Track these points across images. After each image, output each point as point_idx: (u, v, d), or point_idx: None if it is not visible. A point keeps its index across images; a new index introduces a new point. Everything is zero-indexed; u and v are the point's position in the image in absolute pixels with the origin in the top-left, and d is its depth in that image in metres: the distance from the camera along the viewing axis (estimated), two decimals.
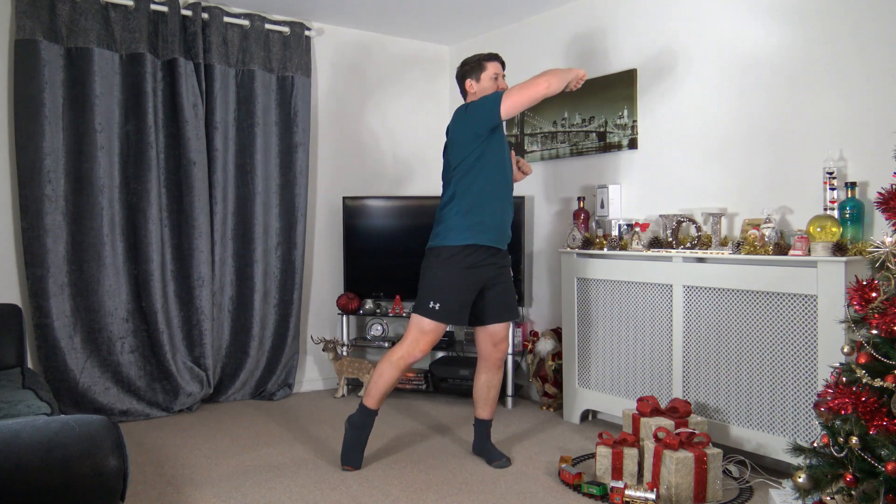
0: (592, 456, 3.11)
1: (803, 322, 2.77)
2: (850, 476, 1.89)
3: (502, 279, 3.10)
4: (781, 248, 2.85)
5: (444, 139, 3.12)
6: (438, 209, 3.06)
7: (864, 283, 2.01)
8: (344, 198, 4.54)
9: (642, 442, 2.88)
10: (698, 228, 3.22)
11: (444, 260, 2.96)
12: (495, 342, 3.13)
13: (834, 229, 2.68)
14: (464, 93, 3.14)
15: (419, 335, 2.99)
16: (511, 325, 3.17)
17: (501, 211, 3.05)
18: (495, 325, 3.11)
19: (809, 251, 2.74)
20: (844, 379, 2.00)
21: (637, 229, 3.45)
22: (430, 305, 2.95)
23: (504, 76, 3.13)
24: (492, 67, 3.08)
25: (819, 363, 2.69)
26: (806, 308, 2.76)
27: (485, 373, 3.18)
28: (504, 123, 3.03)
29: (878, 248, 1.99)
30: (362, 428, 3.04)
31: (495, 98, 2.87)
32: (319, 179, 4.60)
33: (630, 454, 2.84)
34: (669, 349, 3.28)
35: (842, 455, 1.93)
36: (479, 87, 3.06)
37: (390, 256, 4.49)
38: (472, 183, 2.96)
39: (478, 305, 3.07)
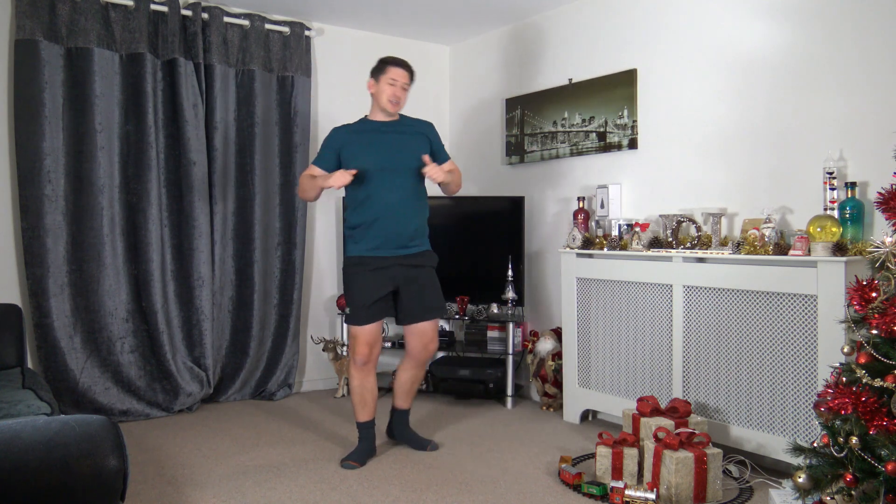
0: (592, 456, 3.11)
1: (803, 322, 2.77)
2: (850, 476, 1.89)
3: (418, 280, 3.16)
4: (781, 248, 2.85)
5: (443, 139, 3.14)
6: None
7: (864, 283, 2.01)
8: (344, 198, 4.53)
9: (642, 442, 2.88)
10: (698, 228, 3.21)
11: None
12: (424, 343, 3.21)
13: (834, 229, 2.67)
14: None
15: (353, 340, 3.18)
16: (438, 324, 3.26)
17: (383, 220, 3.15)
18: (419, 324, 3.18)
19: (809, 251, 2.74)
20: (844, 379, 2.00)
21: (637, 229, 3.45)
22: (349, 312, 3.16)
23: (406, 87, 3.15)
24: (391, 71, 3.10)
25: (819, 363, 2.69)
26: (806, 308, 2.76)
27: (412, 369, 3.30)
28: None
29: (878, 248, 1.99)
30: (361, 440, 3.20)
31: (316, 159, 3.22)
32: None
33: (630, 454, 2.84)
34: (669, 349, 3.28)
35: (842, 455, 1.93)
36: (377, 87, 3.13)
37: None
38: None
39: (398, 306, 3.21)
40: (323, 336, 4.57)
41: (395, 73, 3.10)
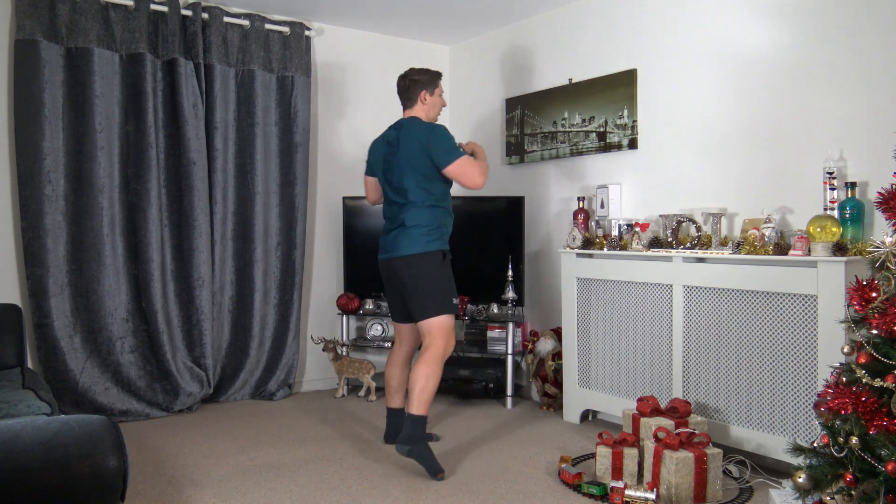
0: (592, 456, 3.11)
1: (803, 322, 2.77)
2: (850, 476, 1.89)
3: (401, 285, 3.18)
4: (781, 248, 2.85)
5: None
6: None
7: (864, 283, 2.01)
8: (344, 198, 4.54)
9: (642, 442, 2.88)
10: (698, 228, 3.22)
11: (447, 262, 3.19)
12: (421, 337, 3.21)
13: (834, 229, 2.68)
14: (412, 99, 3.22)
15: (450, 331, 3.11)
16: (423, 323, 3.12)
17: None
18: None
19: (809, 251, 2.74)
20: (844, 379, 2.00)
21: (637, 229, 3.45)
22: (455, 302, 3.14)
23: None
24: (440, 85, 3.29)
25: (819, 363, 2.69)
26: (806, 308, 2.76)
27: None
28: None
29: (878, 248, 1.99)
30: (425, 438, 3.00)
31: (465, 162, 3.06)
32: (319, 179, 4.61)
33: (630, 454, 2.84)
34: (669, 349, 3.28)
35: (842, 455, 1.93)
36: (432, 100, 3.24)
37: None
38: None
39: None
40: (323, 336, 4.56)
41: (441, 85, 3.30)
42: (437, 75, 3.26)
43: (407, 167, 3.11)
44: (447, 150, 3.06)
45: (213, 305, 4.08)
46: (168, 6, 3.88)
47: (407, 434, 2.95)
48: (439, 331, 3.06)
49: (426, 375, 2.98)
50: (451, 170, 3.05)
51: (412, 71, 3.24)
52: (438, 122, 3.23)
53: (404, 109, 3.26)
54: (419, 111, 3.21)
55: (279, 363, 4.32)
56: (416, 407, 2.97)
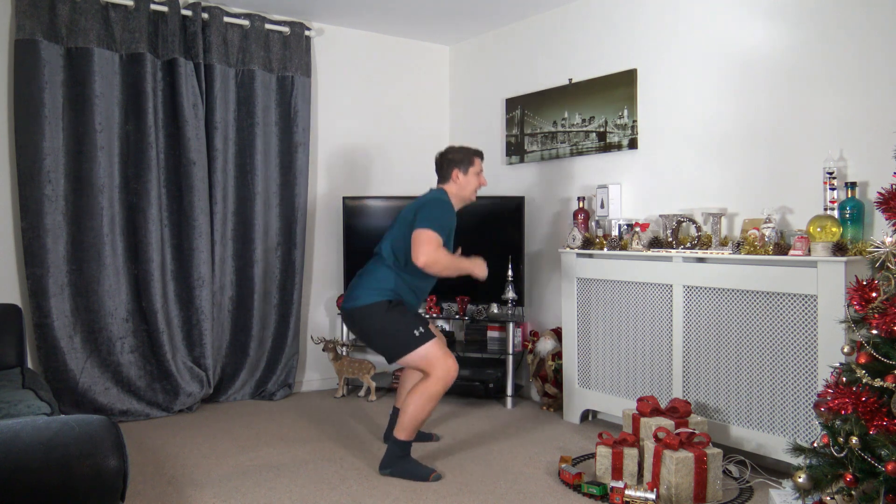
0: (592, 456, 3.11)
1: (803, 322, 2.77)
2: (850, 476, 1.89)
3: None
4: (781, 248, 2.85)
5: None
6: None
7: (864, 283, 2.01)
8: (344, 198, 4.54)
9: (642, 442, 2.88)
10: (698, 228, 3.22)
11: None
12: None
13: (834, 229, 2.68)
14: (445, 177, 3.18)
15: (438, 358, 2.96)
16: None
17: None
18: None
19: (809, 251, 2.74)
20: (844, 379, 2.00)
21: (637, 229, 3.45)
22: (419, 333, 2.98)
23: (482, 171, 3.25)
24: (478, 164, 3.21)
25: (819, 363, 2.69)
26: (806, 308, 2.76)
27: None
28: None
29: (878, 248, 1.99)
30: (407, 456, 2.98)
31: (431, 237, 2.89)
32: (319, 179, 4.60)
33: (630, 454, 2.84)
34: (669, 349, 3.28)
35: (842, 455, 1.93)
36: (465, 179, 3.17)
37: None
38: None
39: None
40: (323, 336, 4.56)
41: (480, 164, 3.22)
42: (473, 154, 3.19)
43: (395, 225, 3.11)
44: (428, 218, 2.94)
45: (213, 305, 4.08)
46: (168, 6, 3.88)
47: (388, 457, 2.97)
48: (423, 362, 2.95)
49: (416, 406, 2.93)
50: (414, 233, 2.91)
51: (449, 150, 3.21)
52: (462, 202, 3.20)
53: (437, 184, 3.23)
54: (451, 188, 3.17)
55: (279, 363, 4.32)
56: (401, 432, 2.95)
